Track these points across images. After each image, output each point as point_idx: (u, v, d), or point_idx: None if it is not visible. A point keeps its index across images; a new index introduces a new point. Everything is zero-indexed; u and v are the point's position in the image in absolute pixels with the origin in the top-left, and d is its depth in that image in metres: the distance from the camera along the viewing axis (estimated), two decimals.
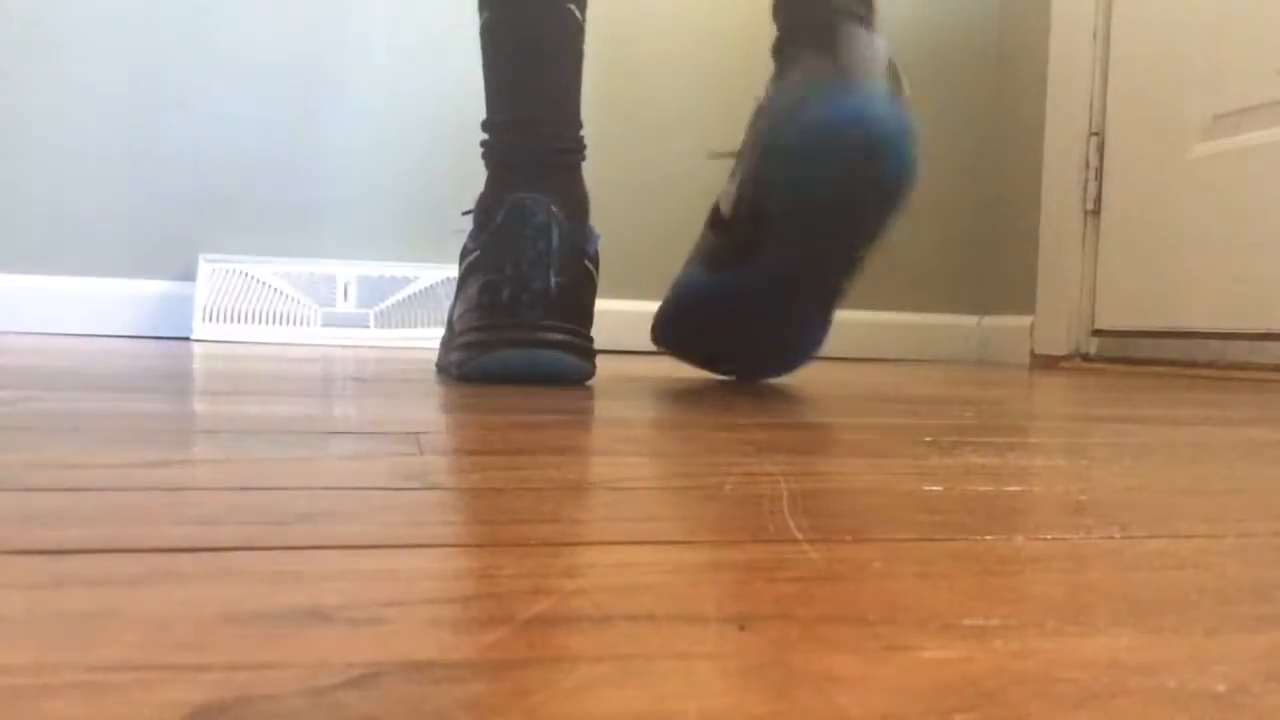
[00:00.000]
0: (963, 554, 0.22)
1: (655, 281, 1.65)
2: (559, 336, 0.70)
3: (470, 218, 0.79)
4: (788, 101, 0.69)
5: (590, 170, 0.80)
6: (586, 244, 0.76)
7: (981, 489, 0.31)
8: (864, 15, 0.69)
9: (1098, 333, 1.52)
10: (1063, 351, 1.55)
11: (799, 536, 0.23)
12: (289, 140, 1.57)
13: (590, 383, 0.75)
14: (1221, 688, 0.14)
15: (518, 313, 0.70)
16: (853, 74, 0.66)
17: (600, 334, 1.59)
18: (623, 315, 1.63)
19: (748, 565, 0.20)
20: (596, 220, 1.72)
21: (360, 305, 1.54)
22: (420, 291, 1.55)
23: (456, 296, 0.80)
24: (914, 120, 0.67)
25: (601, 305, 1.61)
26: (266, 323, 1.51)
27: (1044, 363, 1.58)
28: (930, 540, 0.23)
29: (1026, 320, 1.64)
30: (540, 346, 0.69)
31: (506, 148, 0.77)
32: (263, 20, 1.57)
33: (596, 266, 0.78)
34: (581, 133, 0.79)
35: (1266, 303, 1.23)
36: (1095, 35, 1.52)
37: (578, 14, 0.77)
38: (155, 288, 1.53)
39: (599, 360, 1.20)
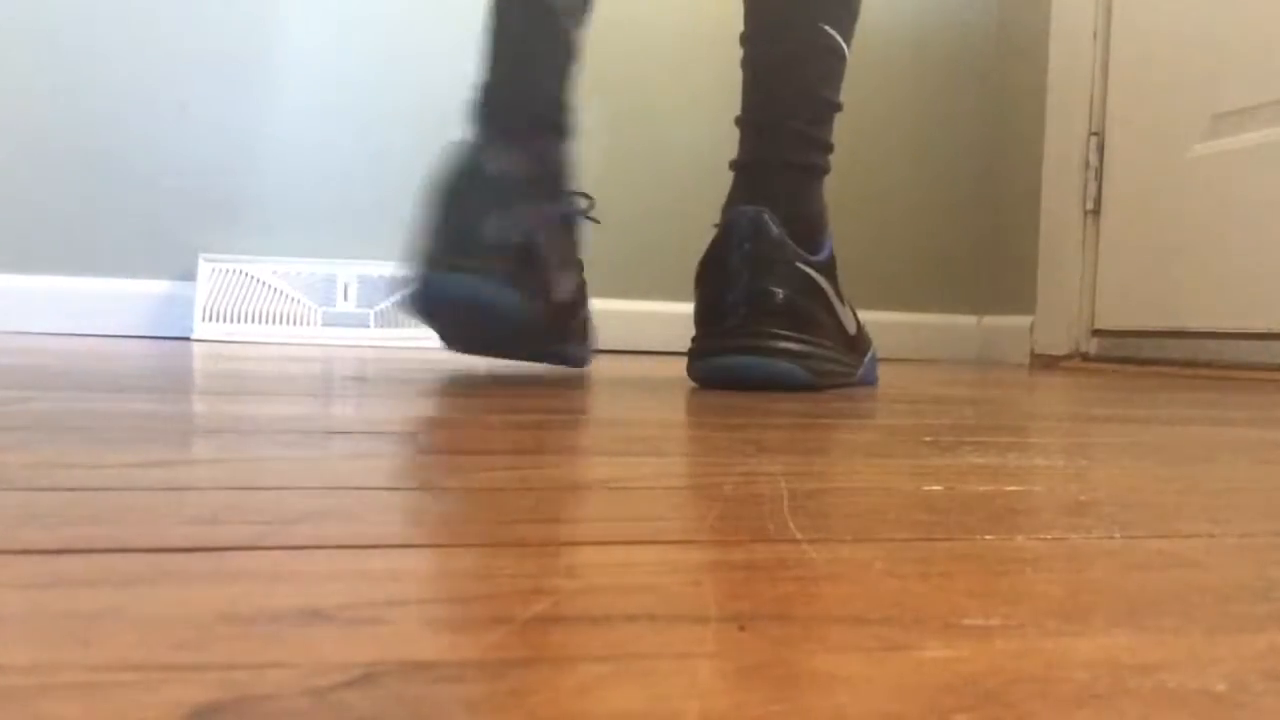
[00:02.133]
0: (963, 554, 0.22)
1: (661, 281, 1.65)
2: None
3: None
4: None
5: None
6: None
7: (981, 489, 0.31)
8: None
9: (1098, 333, 1.52)
10: (1063, 351, 1.55)
11: (799, 536, 0.23)
12: (289, 140, 1.57)
13: (589, 382, 0.75)
14: (1221, 687, 0.14)
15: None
16: None
17: (602, 334, 1.59)
18: (623, 315, 1.63)
19: (748, 565, 0.20)
20: (605, 219, 1.72)
21: (360, 305, 1.54)
22: None
23: None
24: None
25: (603, 305, 1.61)
26: (266, 323, 1.51)
27: (1044, 363, 1.58)
28: (930, 540, 0.23)
29: (1026, 320, 1.64)
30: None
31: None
32: (262, 20, 1.57)
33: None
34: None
35: (1266, 303, 1.23)
36: (1095, 35, 1.52)
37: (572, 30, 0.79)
38: (155, 288, 1.53)
39: (599, 360, 1.20)
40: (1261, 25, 1.26)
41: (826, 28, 0.79)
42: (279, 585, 0.17)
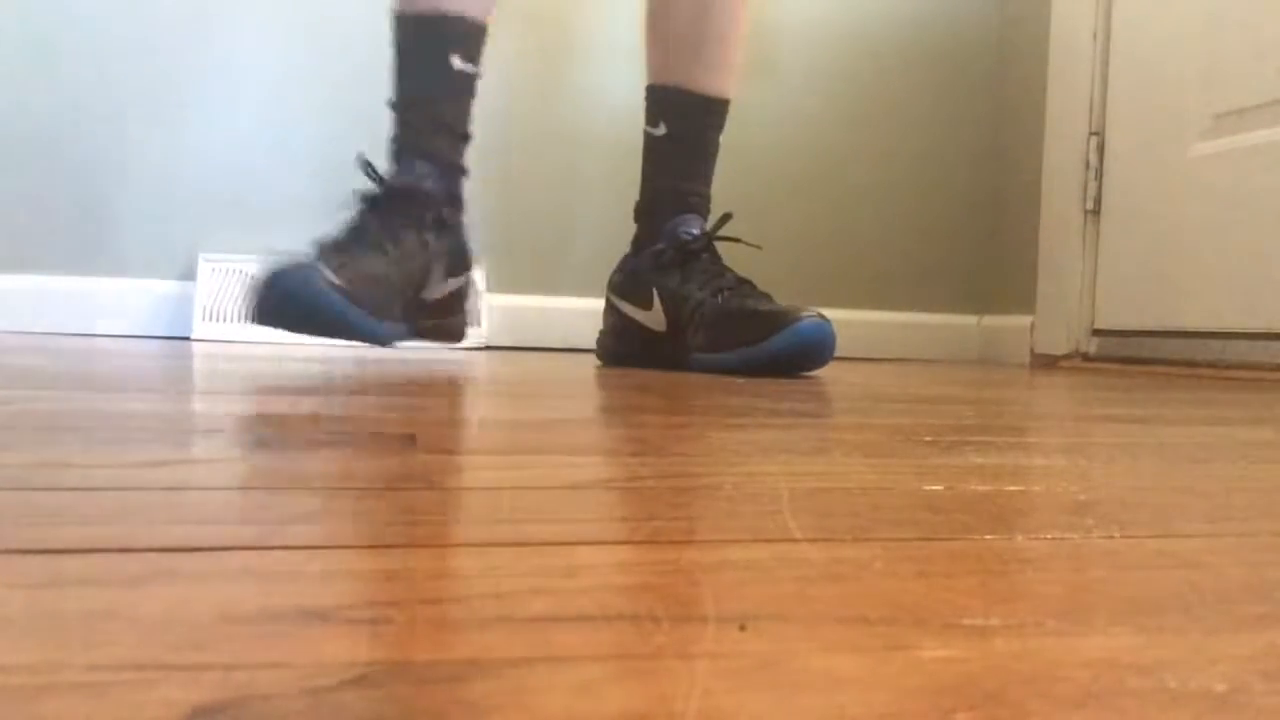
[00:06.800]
0: (963, 554, 0.22)
1: None
2: None
3: None
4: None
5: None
6: None
7: (981, 489, 0.31)
8: None
9: (1098, 333, 1.52)
10: (1063, 351, 1.55)
11: (799, 536, 0.23)
12: (289, 140, 1.58)
13: (587, 383, 0.75)
14: (1221, 687, 0.14)
15: None
16: None
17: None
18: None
19: (748, 565, 0.20)
20: (597, 221, 1.72)
21: None
22: None
23: None
24: None
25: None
26: None
27: (1044, 363, 1.58)
28: (930, 540, 0.23)
29: (1026, 320, 1.64)
30: None
31: None
32: (262, 21, 1.57)
33: None
34: None
35: (1266, 303, 1.23)
36: (1095, 35, 1.52)
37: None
38: (155, 288, 1.53)
39: (597, 361, 1.20)
40: (1261, 25, 1.26)
41: None
42: (279, 585, 0.17)
